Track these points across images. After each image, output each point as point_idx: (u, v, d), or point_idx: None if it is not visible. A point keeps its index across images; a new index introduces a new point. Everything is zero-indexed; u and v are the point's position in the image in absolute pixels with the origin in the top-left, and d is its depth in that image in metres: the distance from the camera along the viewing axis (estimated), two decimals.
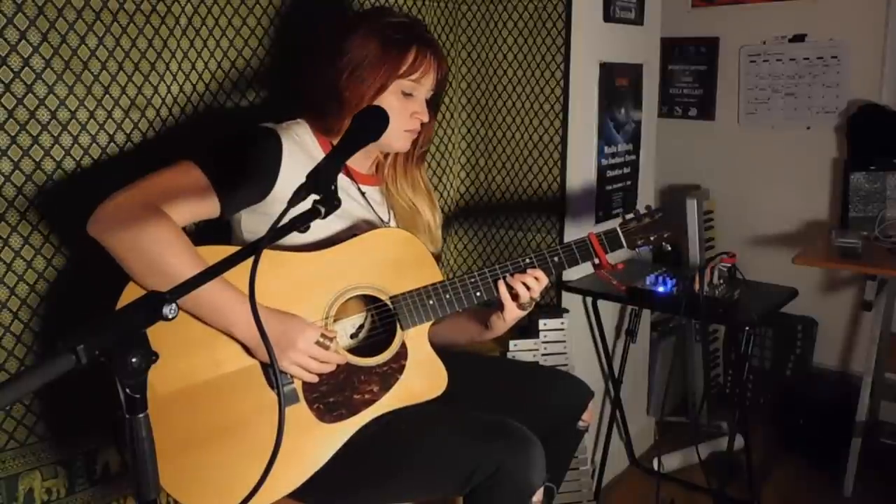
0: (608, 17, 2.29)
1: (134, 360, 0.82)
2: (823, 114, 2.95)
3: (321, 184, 1.01)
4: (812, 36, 2.94)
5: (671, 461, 2.68)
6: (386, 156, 1.58)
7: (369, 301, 1.46)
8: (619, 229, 1.54)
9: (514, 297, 1.46)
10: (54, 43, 1.36)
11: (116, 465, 1.58)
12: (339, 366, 1.36)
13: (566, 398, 1.62)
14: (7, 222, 1.37)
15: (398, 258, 1.44)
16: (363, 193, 1.53)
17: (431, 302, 1.44)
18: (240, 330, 1.27)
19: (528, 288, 1.46)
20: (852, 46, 2.85)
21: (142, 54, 1.49)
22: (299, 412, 1.34)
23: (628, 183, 2.53)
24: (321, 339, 1.31)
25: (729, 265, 2.17)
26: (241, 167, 1.33)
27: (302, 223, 0.99)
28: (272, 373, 1.30)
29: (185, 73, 1.58)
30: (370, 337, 1.48)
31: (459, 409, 1.46)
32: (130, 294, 1.23)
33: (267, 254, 1.23)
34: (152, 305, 0.82)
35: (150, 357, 0.84)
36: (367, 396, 1.39)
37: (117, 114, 1.48)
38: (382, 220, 1.54)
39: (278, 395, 1.11)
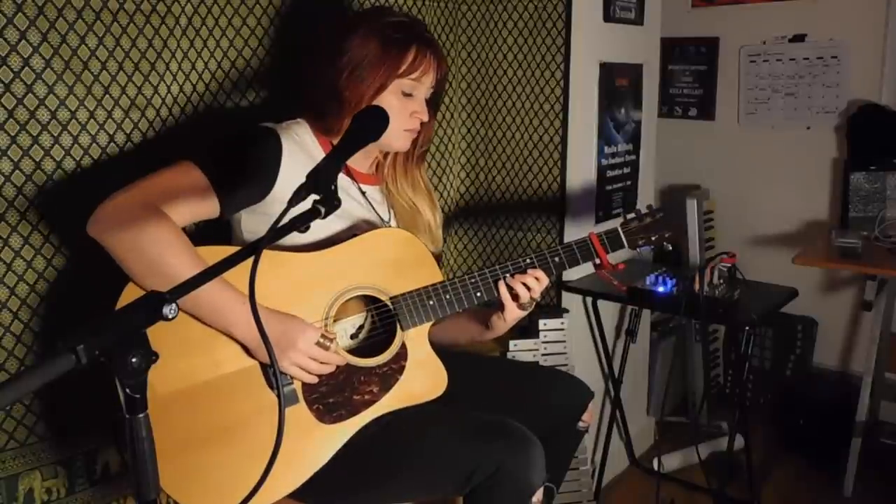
0: (608, 17, 2.29)
1: (134, 360, 0.82)
2: (823, 114, 2.95)
3: (321, 184, 1.01)
4: (812, 36, 2.94)
5: (671, 461, 2.68)
6: (386, 155, 1.58)
7: (369, 301, 1.46)
8: (620, 229, 1.54)
9: (515, 297, 1.46)
10: (54, 43, 1.36)
11: (116, 465, 1.58)
12: (338, 366, 1.36)
13: (566, 398, 1.62)
14: (7, 222, 1.37)
15: (398, 258, 1.44)
16: (363, 193, 1.53)
17: (431, 302, 1.43)
18: (240, 330, 1.27)
19: (528, 288, 1.46)
20: (852, 46, 2.85)
21: (142, 54, 1.49)
22: (299, 413, 1.34)
23: (628, 183, 2.53)
24: (321, 340, 1.31)
25: (729, 265, 2.17)
26: (240, 167, 1.33)
27: (302, 223, 0.99)
28: (272, 374, 1.30)
29: (185, 73, 1.58)
30: (370, 337, 1.48)
31: (459, 409, 1.46)
32: (130, 294, 1.23)
33: (267, 254, 1.23)
34: (152, 305, 0.82)
35: (150, 357, 0.84)
36: (366, 397, 1.39)
37: (117, 114, 1.48)
38: (383, 220, 1.54)
39: (278, 395, 1.11)
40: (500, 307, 1.48)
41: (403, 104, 1.44)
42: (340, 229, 1.44)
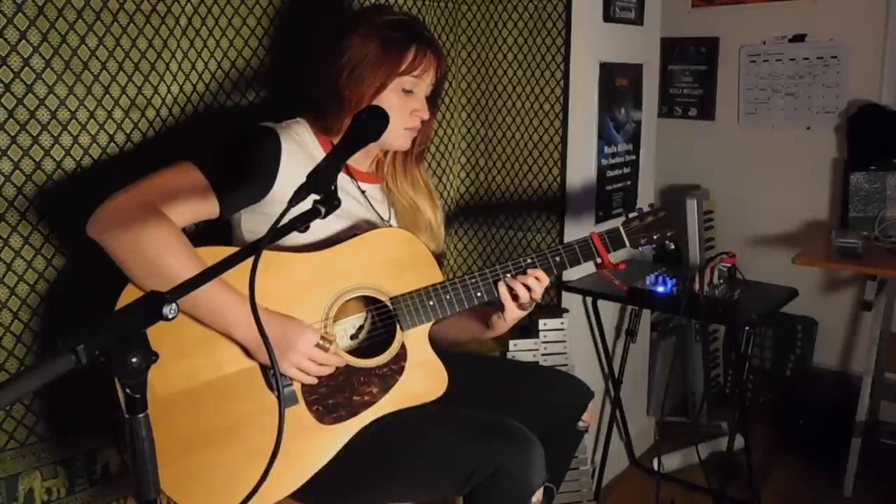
0: (608, 17, 2.29)
1: (134, 360, 0.82)
2: (823, 114, 2.95)
3: (321, 184, 1.01)
4: (812, 36, 2.94)
5: (671, 461, 2.68)
6: (386, 153, 1.58)
7: (370, 301, 1.46)
8: (621, 228, 1.54)
9: (515, 297, 1.46)
10: (54, 43, 1.36)
11: (116, 465, 1.58)
12: (338, 367, 1.36)
13: (566, 398, 1.62)
14: (7, 222, 1.37)
15: (398, 258, 1.44)
16: (363, 192, 1.53)
17: (432, 303, 1.43)
18: (239, 332, 1.27)
19: (528, 289, 1.46)
20: (852, 46, 2.85)
21: (142, 54, 1.49)
22: (299, 414, 1.34)
23: (628, 183, 2.53)
24: (320, 342, 1.31)
25: (729, 265, 2.17)
26: (240, 167, 1.33)
27: (302, 223, 0.99)
28: (272, 375, 1.30)
29: (185, 73, 1.58)
30: (370, 338, 1.47)
31: (459, 409, 1.46)
32: (130, 295, 1.23)
33: (267, 254, 1.23)
34: (152, 305, 0.82)
35: (150, 357, 0.84)
36: (366, 398, 1.39)
37: (117, 114, 1.48)
38: (383, 219, 1.54)
39: (278, 397, 1.10)
40: (500, 307, 1.48)
41: (404, 102, 1.44)
42: (341, 229, 1.44)
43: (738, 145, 3.17)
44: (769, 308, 2.18)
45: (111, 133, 1.47)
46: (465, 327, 1.61)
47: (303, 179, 1.02)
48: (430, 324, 1.45)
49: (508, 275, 1.47)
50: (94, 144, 1.45)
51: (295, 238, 1.06)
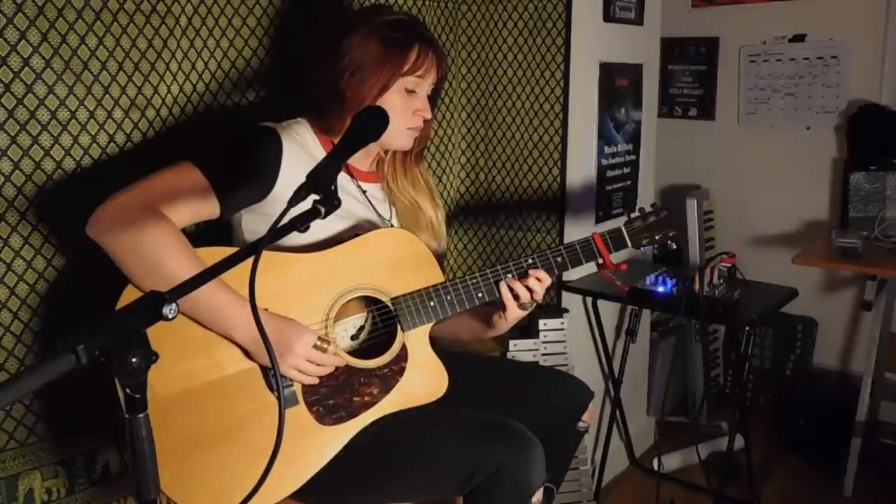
0: (608, 17, 2.29)
1: (134, 360, 0.82)
2: (823, 114, 2.95)
3: (321, 184, 1.01)
4: (812, 36, 2.94)
5: (671, 461, 2.68)
6: (386, 153, 1.58)
7: (370, 302, 1.46)
8: (623, 229, 1.54)
9: (516, 297, 1.46)
10: (54, 43, 1.36)
11: (116, 465, 1.58)
12: (338, 368, 1.36)
13: (566, 398, 1.62)
14: (7, 222, 1.37)
15: (399, 258, 1.44)
16: (364, 191, 1.52)
17: (432, 303, 1.43)
18: (239, 333, 1.26)
19: (530, 290, 1.46)
20: (852, 46, 2.85)
21: (142, 54, 1.49)
22: (299, 414, 1.33)
23: (628, 183, 2.53)
24: (318, 343, 1.31)
25: (729, 265, 2.17)
26: (240, 167, 1.33)
27: (302, 223, 0.99)
28: (272, 376, 1.30)
29: (185, 73, 1.58)
30: (371, 338, 1.47)
31: (460, 409, 1.46)
32: (130, 295, 1.23)
33: (267, 254, 1.23)
34: (152, 305, 0.82)
35: (150, 357, 0.84)
36: (366, 399, 1.39)
37: (117, 114, 1.47)
38: (383, 218, 1.54)
39: (278, 397, 1.10)
40: (501, 307, 1.48)
41: (406, 103, 1.44)
42: (342, 229, 1.44)
43: (738, 145, 3.17)
44: (769, 308, 2.18)
45: (111, 133, 1.47)
46: (466, 326, 1.61)
47: (303, 179, 1.02)
48: (430, 324, 1.45)
49: (510, 275, 1.47)
50: (94, 144, 1.45)
51: (296, 238, 1.06)
